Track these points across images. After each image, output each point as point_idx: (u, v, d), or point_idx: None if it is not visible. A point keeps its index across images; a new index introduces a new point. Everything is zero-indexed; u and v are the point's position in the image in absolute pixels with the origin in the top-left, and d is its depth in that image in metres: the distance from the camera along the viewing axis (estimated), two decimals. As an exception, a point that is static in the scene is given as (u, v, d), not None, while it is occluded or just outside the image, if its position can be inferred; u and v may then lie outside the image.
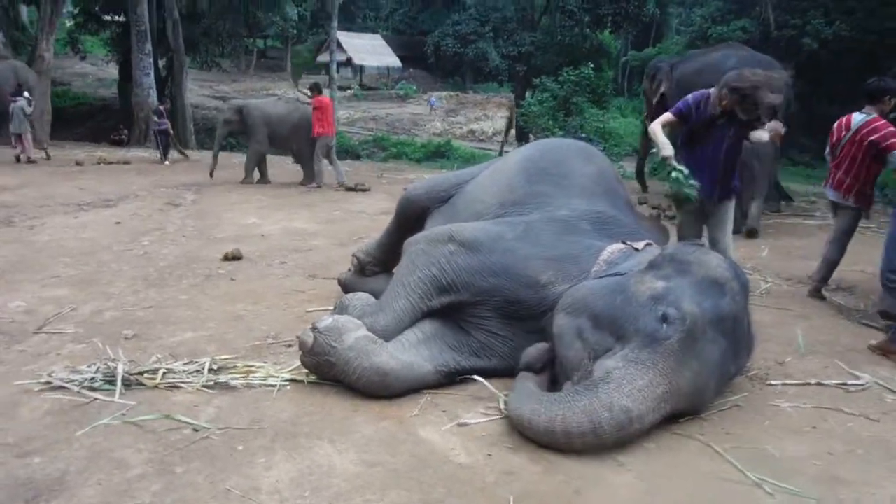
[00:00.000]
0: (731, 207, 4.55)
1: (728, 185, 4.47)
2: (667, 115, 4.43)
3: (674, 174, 4.22)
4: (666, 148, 4.26)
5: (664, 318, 2.79)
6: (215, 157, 12.03)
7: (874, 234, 8.03)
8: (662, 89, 10.59)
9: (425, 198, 4.54)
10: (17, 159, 13.65)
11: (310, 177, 11.51)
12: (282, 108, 11.81)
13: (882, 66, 23.42)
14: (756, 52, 10.65)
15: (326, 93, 27.93)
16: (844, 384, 3.47)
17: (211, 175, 11.79)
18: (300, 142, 11.56)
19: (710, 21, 28.98)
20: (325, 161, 11.47)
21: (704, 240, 4.46)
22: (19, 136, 13.80)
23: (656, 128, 4.38)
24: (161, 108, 15.70)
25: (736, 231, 6.97)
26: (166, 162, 14.62)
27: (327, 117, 11.16)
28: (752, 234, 7.79)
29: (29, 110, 13.80)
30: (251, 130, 11.55)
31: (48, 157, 14.24)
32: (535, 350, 3.22)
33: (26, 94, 14.24)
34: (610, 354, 2.85)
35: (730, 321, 2.94)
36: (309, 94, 11.66)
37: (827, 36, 23.51)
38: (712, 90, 4.32)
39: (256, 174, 11.86)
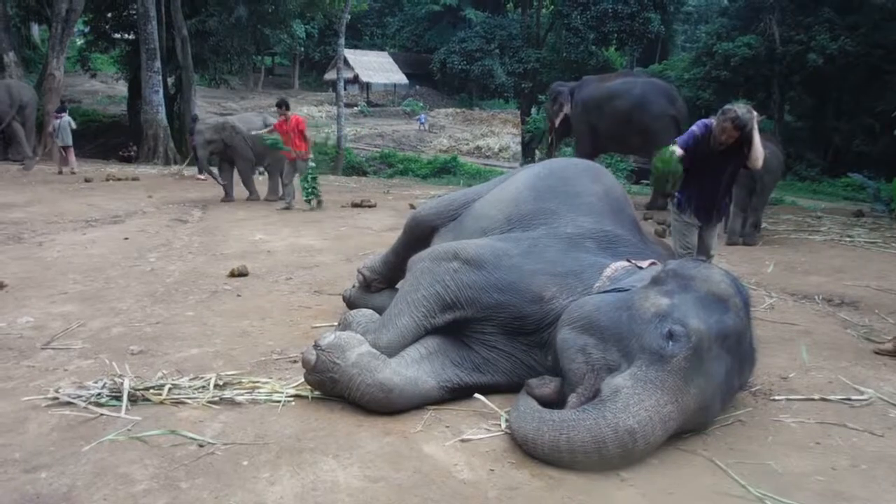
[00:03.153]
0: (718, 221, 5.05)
1: (723, 208, 4.98)
2: (679, 152, 4.61)
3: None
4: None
5: (670, 336, 2.79)
6: (209, 172, 12.01)
7: (879, 249, 8.03)
8: (565, 111, 11.84)
9: (434, 217, 4.55)
10: (61, 172, 14.88)
11: (290, 193, 11.33)
12: (261, 123, 11.53)
13: (887, 80, 23.48)
14: (654, 79, 11.88)
15: (332, 110, 28.00)
16: (848, 399, 3.46)
17: (226, 195, 11.74)
18: (276, 157, 11.33)
19: (715, 38, 29.08)
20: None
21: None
22: (64, 149, 15.28)
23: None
24: None
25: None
26: (201, 176, 14.67)
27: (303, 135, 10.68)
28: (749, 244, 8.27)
29: (74, 126, 15.13)
30: (236, 148, 11.31)
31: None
32: (539, 384, 3.19)
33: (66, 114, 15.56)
34: (617, 372, 2.84)
35: (734, 337, 2.95)
36: (278, 111, 10.91)
37: (832, 51, 23.52)
38: (713, 121, 4.60)
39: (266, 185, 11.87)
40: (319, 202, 10.89)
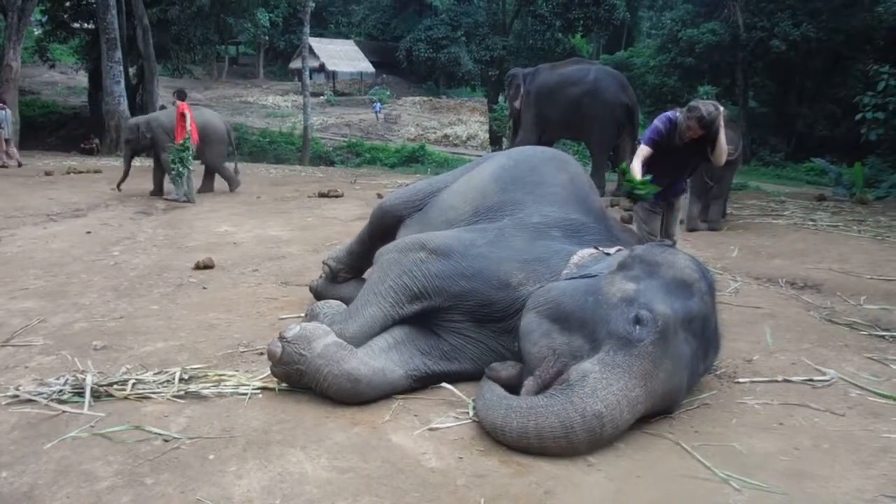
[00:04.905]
0: (682, 202, 5.17)
1: (680, 189, 5.09)
2: (646, 150, 4.75)
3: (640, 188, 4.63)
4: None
5: (637, 321, 2.81)
6: (125, 172, 11.45)
7: (841, 233, 8.16)
8: (522, 92, 12.07)
9: (401, 208, 4.54)
10: (4, 165, 14.69)
11: (211, 182, 11.18)
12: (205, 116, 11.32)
13: (848, 66, 23.87)
14: (606, 67, 12.35)
15: (298, 99, 27.64)
16: (811, 380, 3.52)
17: (118, 188, 11.28)
18: (204, 149, 11.08)
19: (680, 24, 29.36)
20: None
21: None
22: (8, 142, 15.20)
23: (637, 166, 4.70)
24: None
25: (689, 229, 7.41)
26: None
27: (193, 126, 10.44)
28: (714, 230, 8.33)
29: (15, 118, 14.96)
30: (156, 144, 11.05)
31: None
32: (502, 367, 3.21)
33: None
34: (584, 357, 2.86)
35: (699, 321, 2.98)
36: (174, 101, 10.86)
37: (795, 37, 23.87)
38: (678, 114, 4.69)
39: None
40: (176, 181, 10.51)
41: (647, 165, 4.73)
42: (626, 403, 2.72)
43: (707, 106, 4.55)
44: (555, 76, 11.78)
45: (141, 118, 11.81)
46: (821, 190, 13.71)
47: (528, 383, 2.94)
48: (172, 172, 10.44)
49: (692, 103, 4.64)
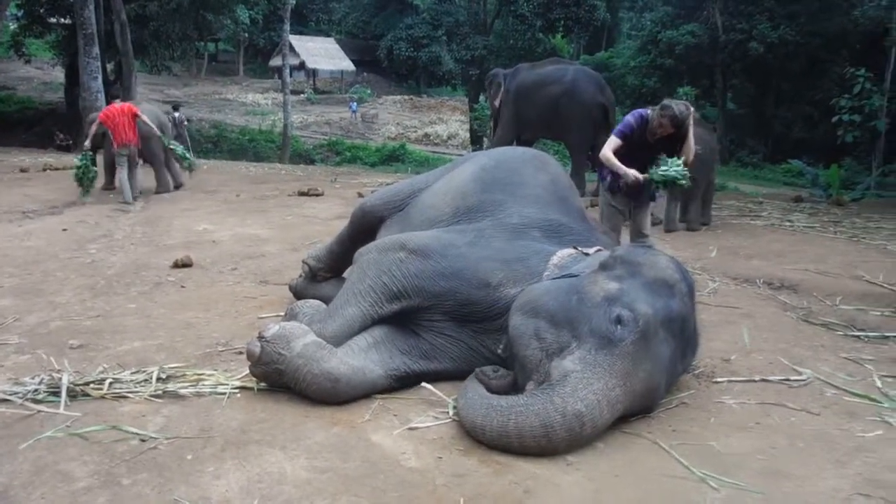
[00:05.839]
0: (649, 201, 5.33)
1: (652, 191, 5.20)
2: (616, 142, 4.94)
3: (671, 171, 4.79)
4: (629, 173, 4.84)
5: (618, 320, 2.83)
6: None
7: (817, 234, 8.24)
8: (503, 90, 12.14)
9: (381, 208, 4.53)
10: None
11: (164, 185, 10.96)
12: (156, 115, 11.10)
13: (825, 69, 24.14)
14: (585, 67, 12.93)
15: (278, 97, 27.42)
16: (787, 380, 3.56)
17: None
18: (145, 147, 10.68)
19: (659, 26, 29.56)
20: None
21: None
22: None
23: (610, 156, 4.92)
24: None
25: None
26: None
27: (118, 127, 9.97)
28: (693, 230, 8.36)
29: None
30: (105, 139, 10.69)
31: None
32: (495, 375, 3.20)
33: None
34: (565, 355, 2.87)
35: (679, 321, 3.00)
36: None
37: (773, 40, 24.11)
38: (649, 112, 4.90)
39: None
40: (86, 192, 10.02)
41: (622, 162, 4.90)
42: (607, 403, 2.73)
43: (679, 105, 4.77)
44: (533, 76, 11.83)
45: (98, 113, 11.65)
46: (798, 191, 13.85)
47: (530, 388, 2.92)
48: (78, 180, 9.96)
49: (664, 102, 4.85)
